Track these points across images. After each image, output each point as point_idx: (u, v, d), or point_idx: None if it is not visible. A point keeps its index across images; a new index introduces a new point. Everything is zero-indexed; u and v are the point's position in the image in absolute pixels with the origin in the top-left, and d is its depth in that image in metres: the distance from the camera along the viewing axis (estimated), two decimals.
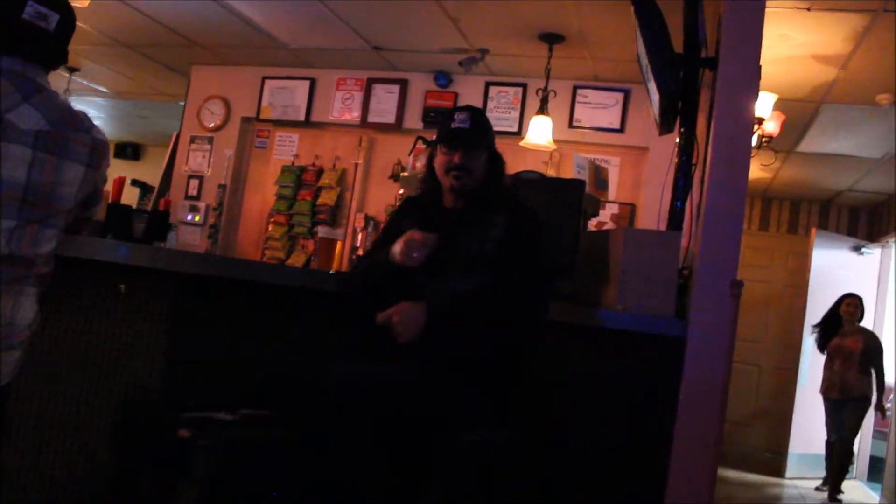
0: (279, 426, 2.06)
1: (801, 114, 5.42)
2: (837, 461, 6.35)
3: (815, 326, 6.79)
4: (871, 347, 6.44)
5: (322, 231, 5.52)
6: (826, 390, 6.54)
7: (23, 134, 1.75)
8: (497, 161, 2.37)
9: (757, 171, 6.69)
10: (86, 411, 2.28)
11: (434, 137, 2.38)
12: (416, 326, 2.06)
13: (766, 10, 2.41)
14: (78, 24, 1.99)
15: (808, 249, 7.24)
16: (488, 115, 2.41)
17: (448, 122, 2.32)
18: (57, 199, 1.83)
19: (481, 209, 2.30)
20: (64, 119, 1.84)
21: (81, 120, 1.90)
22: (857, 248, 7.51)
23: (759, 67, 2.43)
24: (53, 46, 1.90)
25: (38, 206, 1.78)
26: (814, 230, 7.35)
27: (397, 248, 2.18)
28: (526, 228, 2.28)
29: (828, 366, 6.55)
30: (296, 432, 2.00)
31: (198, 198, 6.42)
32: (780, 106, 4.90)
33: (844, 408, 6.37)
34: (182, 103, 6.73)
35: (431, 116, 5.87)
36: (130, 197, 6.66)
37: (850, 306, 6.61)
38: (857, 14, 3.85)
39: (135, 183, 7.33)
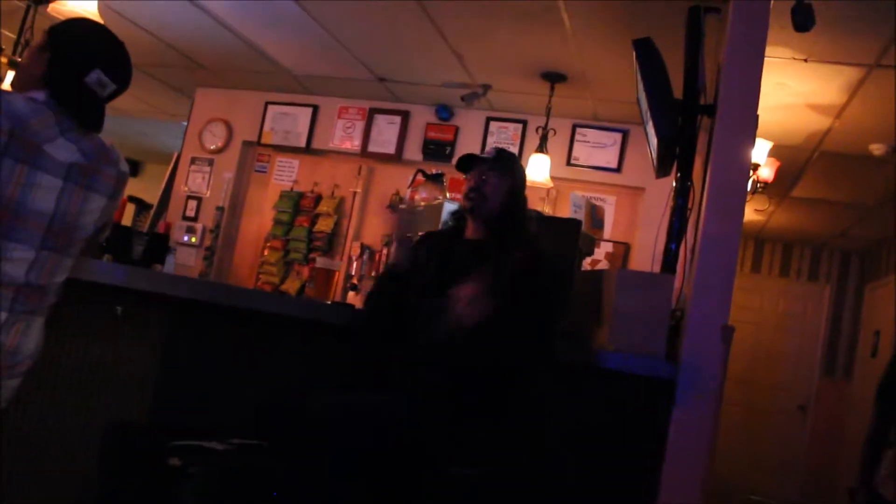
0: (270, 457, 2.06)
1: (795, 160, 5.48)
2: None
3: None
4: None
5: (320, 262, 5.52)
6: None
7: (58, 165, 1.78)
8: (519, 198, 2.41)
9: (751, 213, 6.74)
10: (78, 433, 2.27)
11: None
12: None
13: (765, 59, 2.46)
14: None
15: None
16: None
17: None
18: (79, 228, 1.86)
19: (499, 243, 2.32)
20: (97, 152, 1.89)
21: (112, 153, 1.94)
22: None
23: (757, 116, 2.47)
24: (97, 113, 1.93)
25: (61, 235, 1.81)
26: None
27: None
28: (541, 270, 2.27)
29: None
30: (285, 462, 2.00)
31: (195, 219, 6.43)
32: (775, 153, 4.96)
33: None
34: (184, 123, 6.77)
35: (431, 149, 5.93)
36: (126, 213, 6.64)
37: None
38: (853, 67, 3.92)
39: (132, 199, 7.32)
